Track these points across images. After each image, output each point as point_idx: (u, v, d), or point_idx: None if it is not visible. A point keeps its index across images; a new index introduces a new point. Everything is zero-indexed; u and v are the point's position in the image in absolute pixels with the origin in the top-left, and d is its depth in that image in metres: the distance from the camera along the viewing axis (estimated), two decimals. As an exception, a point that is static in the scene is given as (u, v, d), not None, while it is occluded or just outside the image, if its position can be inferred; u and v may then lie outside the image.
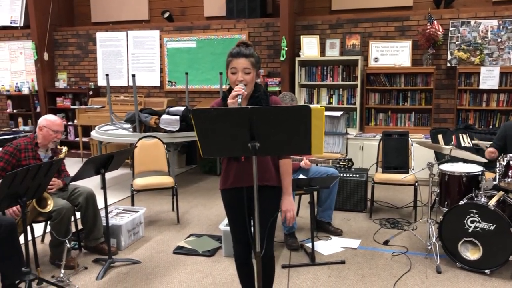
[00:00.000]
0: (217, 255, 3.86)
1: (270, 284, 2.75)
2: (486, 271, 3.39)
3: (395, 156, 4.89)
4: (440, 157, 4.84)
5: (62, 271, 3.40)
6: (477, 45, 6.03)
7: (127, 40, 7.83)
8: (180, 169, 7.07)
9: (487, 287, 3.23)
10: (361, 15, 6.65)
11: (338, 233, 4.27)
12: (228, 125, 2.00)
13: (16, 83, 8.44)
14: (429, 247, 3.72)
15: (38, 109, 8.33)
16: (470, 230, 3.42)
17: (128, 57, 7.85)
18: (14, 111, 8.57)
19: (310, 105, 2.42)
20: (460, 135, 5.23)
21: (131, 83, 7.81)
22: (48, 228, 3.95)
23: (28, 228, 3.25)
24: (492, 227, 3.34)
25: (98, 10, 8.32)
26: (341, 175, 4.68)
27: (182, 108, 5.67)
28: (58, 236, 3.47)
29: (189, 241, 4.15)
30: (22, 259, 3.10)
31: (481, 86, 5.93)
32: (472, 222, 3.41)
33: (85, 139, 7.76)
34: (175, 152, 6.27)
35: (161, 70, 7.67)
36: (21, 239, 3.16)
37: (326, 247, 3.98)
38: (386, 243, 4.04)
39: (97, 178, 5.69)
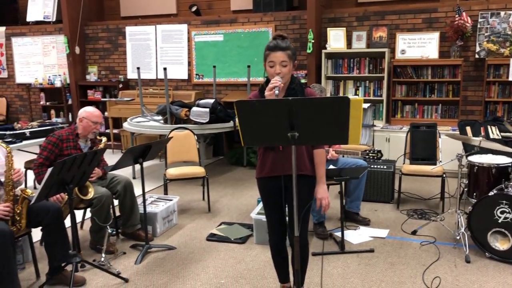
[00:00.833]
0: (249, 242, 4.00)
1: (304, 270, 2.86)
2: (515, 261, 3.43)
3: (422, 147, 4.92)
4: (468, 149, 4.86)
5: (103, 255, 3.57)
6: (507, 37, 5.98)
7: (155, 34, 7.99)
8: (208, 160, 7.21)
9: (517, 277, 3.28)
10: (388, 7, 6.65)
11: (366, 222, 4.35)
12: (269, 115, 2.11)
13: (49, 76, 8.72)
14: (458, 237, 3.77)
15: (69, 102, 8.58)
16: (500, 221, 3.46)
17: (157, 51, 8.03)
18: (47, 103, 8.86)
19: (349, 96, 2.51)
20: (488, 127, 5.23)
21: (159, 76, 7.99)
22: (87, 215, 4.15)
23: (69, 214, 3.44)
24: (522, 218, 3.38)
25: (127, 4, 8.50)
26: (370, 166, 4.75)
27: (211, 101, 5.81)
28: (99, 222, 3.65)
29: (221, 228, 4.29)
30: (68, 243, 3.28)
31: (511, 78, 5.89)
32: (502, 212, 3.45)
33: (115, 131, 7.99)
34: (204, 144, 6.42)
35: (189, 63, 7.82)
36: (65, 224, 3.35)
37: (355, 236, 4.07)
38: (414, 233, 4.10)
39: (129, 168, 5.91)
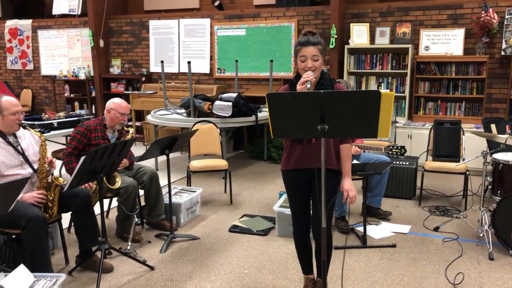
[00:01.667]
0: (271, 235, 4.05)
1: (328, 262, 2.89)
2: (540, 259, 3.41)
3: (446, 144, 4.90)
4: (493, 147, 4.83)
5: (129, 243, 3.67)
6: (534, 34, 5.89)
7: (178, 28, 8.08)
8: (229, 153, 7.27)
9: (541, 275, 3.26)
10: (412, 3, 6.61)
11: (387, 214, 4.36)
12: (300, 108, 2.14)
13: (73, 69, 8.88)
14: (481, 235, 3.76)
15: (93, 94, 8.74)
16: (524, 219, 3.44)
17: (180, 45, 8.11)
18: (71, 95, 9.03)
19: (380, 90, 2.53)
20: (514, 125, 5.17)
21: (182, 70, 8.07)
22: (113, 205, 4.25)
23: (98, 202, 3.53)
24: (548, 216, 3.35)
25: (151, -2, 8.61)
26: (392, 162, 4.74)
27: (234, 95, 5.86)
28: (126, 211, 3.74)
29: (243, 220, 4.35)
30: (97, 228, 3.37)
31: (537, 76, 5.81)
32: (527, 210, 3.43)
33: (138, 123, 8.11)
34: (225, 137, 6.48)
35: (211, 58, 7.88)
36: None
37: (377, 231, 4.09)
38: (436, 229, 4.10)
39: (152, 161, 6.01)
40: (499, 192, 3.94)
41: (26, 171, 3.17)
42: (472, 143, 5.23)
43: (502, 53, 6.11)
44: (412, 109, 6.59)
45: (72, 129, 4.00)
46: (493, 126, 5.15)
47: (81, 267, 3.35)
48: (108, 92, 8.51)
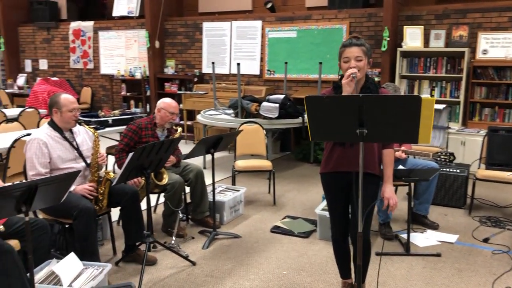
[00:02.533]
0: (312, 237, 4.05)
1: (366, 267, 2.87)
2: None
3: (501, 153, 4.68)
4: (553, 157, 4.56)
5: (174, 238, 3.80)
6: None
7: (231, 30, 8.22)
8: (275, 154, 7.32)
9: None
10: (470, 5, 6.36)
11: (434, 226, 4.23)
12: (338, 111, 2.15)
13: (130, 69, 9.26)
14: (534, 249, 3.57)
15: (148, 93, 9.07)
16: None
17: (231, 46, 8.25)
18: (127, 94, 9.42)
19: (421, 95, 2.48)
20: None
21: (233, 71, 8.21)
22: (160, 200, 4.41)
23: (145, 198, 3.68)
24: None
25: (205, 1, 8.81)
26: (441, 169, 4.60)
27: (281, 96, 5.89)
28: (172, 206, 3.88)
29: (285, 222, 4.37)
30: (142, 224, 3.52)
31: None
32: None
33: (189, 123, 8.33)
34: (271, 139, 6.53)
35: (261, 59, 7.96)
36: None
37: (421, 239, 3.98)
38: (486, 240, 3.93)
39: (199, 159, 6.16)
40: (556, 205, 3.73)
41: (80, 165, 3.36)
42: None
43: None
44: (467, 115, 6.33)
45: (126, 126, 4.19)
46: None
47: (127, 260, 3.51)
48: (161, 92, 8.80)
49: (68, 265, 2.85)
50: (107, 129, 5.52)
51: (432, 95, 6.51)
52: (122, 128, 5.48)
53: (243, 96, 6.30)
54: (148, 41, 8.69)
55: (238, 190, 4.63)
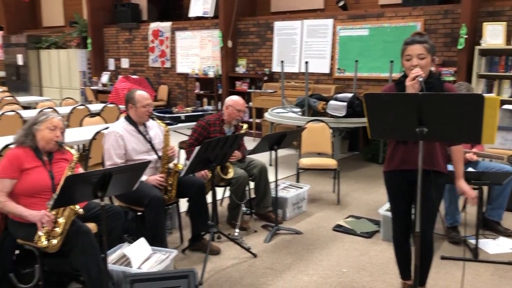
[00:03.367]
0: (375, 238, 4.00)
1: (427, 269, 2.81)
2: None
3: None
4: None
5: (237, 230, 3.94)
6: None
7: (301, 29, 8.26)
8: (342, 154, 7.26)
9: None
10: (560, -2, 5.90)
11: (507, 234, 4.01)
12: (397, 109, 2.14)
13: (204, 68, 9.61)
14: None
15: (220, 91, 9.35)
16: None
17: (302, 45, 8.29)
18: (201, 92, 9.78)
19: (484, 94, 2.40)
20: None
21: (302, 70, 8.23)
22: (226, 194, 4.57)
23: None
24: None
25: (278, 0, 8.92)
26: (518, 173, 4.33)
27: (349, 95, 5.85)
28: (236, 199, 4.02)
29: (348, 221, 4.36)
30: (208, 215, 3.69)
31: None
32: None
33: (258, 120, 8.49)
34: (339, 138, 6.49)
35: (332, 58, 7.92)
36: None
37: (493, 246, 3.80)
38: None
39: (266, 156, 6.28)
40: None
41: (152, 157, 3.59)
42: None
43: None
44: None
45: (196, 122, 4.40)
46: None
47: (193, 248, 3.70)
48: (232, 90, 9.03)
49: (138, 249, 3.07)
50: (180, 124, 5.80)
51: (513, 96, 6.12)
52: (194, 124, 5.74)
53: (311, 95, 6.33)
54: (221, 41, 8.96)
55: (302, 188, 4.68)
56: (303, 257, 3.63)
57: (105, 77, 11.44)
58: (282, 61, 6.79)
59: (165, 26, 10.34)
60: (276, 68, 8.63)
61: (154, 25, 10.54)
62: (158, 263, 3.01)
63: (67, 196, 2.39)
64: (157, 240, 3.30)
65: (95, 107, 7.26)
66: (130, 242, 3.16)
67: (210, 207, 3.81)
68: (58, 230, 2.68)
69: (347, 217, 4.48)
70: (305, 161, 4.96)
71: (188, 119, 5.98)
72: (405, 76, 2.58)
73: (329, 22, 7.91)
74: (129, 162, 3.47)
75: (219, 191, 4.54)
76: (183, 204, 3.91)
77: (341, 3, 7.90)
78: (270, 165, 6.24)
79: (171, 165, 3.66)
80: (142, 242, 3.15)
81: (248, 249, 3.67)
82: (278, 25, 8.58)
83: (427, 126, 2.10)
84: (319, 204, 4.89)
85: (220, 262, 3.53)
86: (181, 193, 3.68)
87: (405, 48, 2.55)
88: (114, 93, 9.77)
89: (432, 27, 6.80)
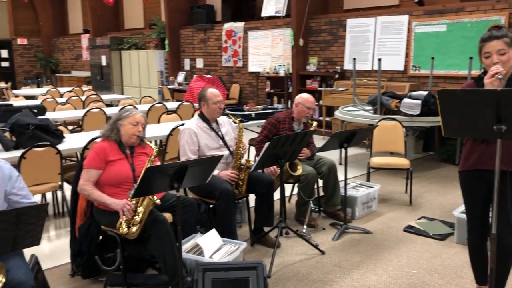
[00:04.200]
0: (448, 240, 3.86)
1: (505, 275, 2.67)
2: None
3: None
4: None
5: (305, 227, 3.98)
6: None
7: (375, 26, 8.09)
8: (416, 154, 7.03)
9: None
10: None
11: None
12: (473, 106, 2.07)
13: (275, 66, 9.71)
14: None
15: (290, 90, 9.41)
16: None
17: (375, 42, 8.12)
18: (271, 90, 9.90)
19: None
20: None
21: (375, 67, 8.07)
22: (295, 191, 4.62)
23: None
24: None
25: (351, -3, 8.82)
26: None
27: (424, 93, 5.66)
28: (304, 196, 4.06)
29: (420, 222, 4.23)
30: (273, 211, 3.78)
31: None
32: None
33: (328, 119, 8.45)
34: (413, 137, 6.30)
35: (406, 55, 7.68)
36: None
37: None
38: None
39: (336, 155, 6.24)
40: None
41: (224, 153, 3.73)
42: None
43: None
44: None
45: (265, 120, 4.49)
46: None
47: (254, 241, 3.79)
48: (303, 88, 9.04)
49: (210, 240, 3.21)
50: (250, 122, 5.93)
51: None
52: (264, 121, 5.85)
53: (383, 93, 6.20)
54: (293, 40, 9.01)
55: (372, 187, 4.61)
56: (372, 257, 3.59)
57: (181, 77, 11.93)
58: (354, 59, 6.71)
59: (238, 26, 10.57)
60: (347, 66, 8.52)
61: (227, 26, 10.81)
62: (228, 254, 3.13)
63: (146, 186, 2.57)
64: (227, 232, 3.42)
65: (172, 105, 7.62)
66: (202, 233, 3.31)
67: (278, 203, 3.89)
68: (137, 218, 2.88)
69: (419, 218, 4.35)
70: (377, 160, 4.88)
71: (258, 117, 6.10)
72: (485, 73, 2.48)
73: (404, 18, 7.68)
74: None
75: (287, 187, 4.60)
76: (252, 198, 4.01)
77: (417, -1, 7.64)
78: (340, 163, 6.21)
79: (242, 160, 3.77)
80: (213, 233, 3.29)
81: (316, 246, 3.70)
82: (351, 22, 8.46)
83: (506, 123, 2.01)
84: (389, 204, 4.79)
85: (287, 257, 3.59)
86: (251, 189, 3.78)
87: (483, 45, 2.45)
88: (189, 92, 10.16)
89: (517, 20, 6.39)
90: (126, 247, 3.09)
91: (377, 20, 8.07)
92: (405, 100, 5.68)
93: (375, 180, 5.36)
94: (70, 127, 6.46)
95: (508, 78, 2.45)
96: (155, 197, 2.88)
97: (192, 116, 6.42)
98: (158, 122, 6.03)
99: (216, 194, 3.42)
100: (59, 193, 4.38)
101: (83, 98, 8.54)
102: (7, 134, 4.28)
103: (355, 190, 4.51)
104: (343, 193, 4.23)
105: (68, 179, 4.23)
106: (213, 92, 3.73)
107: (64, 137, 4.57)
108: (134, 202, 2.91)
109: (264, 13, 9.90)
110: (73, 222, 3.20)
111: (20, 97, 9.54)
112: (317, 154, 4.33)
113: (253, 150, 4.85)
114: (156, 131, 5.08)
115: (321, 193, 4.44)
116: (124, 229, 2.88)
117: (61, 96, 9.65)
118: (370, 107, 6.36)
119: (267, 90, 9.99)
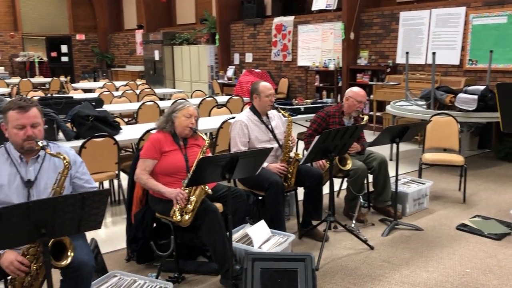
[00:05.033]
0: (505, 240, 3.72)
1: None
2: None
3: None
4: None
5: (354, 222, 3.95)
6: None
7: (429, 19, 7.84)
8: (471, 151, 6.78)
9: None
10: None
11: None
12: (535, 100, 2.00)
13: (325, 60, 9.63)
14: None
15: (339, 84, 9.31)
16: None
17: (429, 35, 7.87)
18: (320, 84, 9.83)
19: None
20: None
21: (429, 61, 7.83)
22: (344, 185, 4.60)
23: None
24: None
25: (404, -11, 8.58)
26: None
27: (481, 88, 5.45)
28: (353, 191, 4.04)
29: (474, 221, 4.10)
30: (321, 205, 3.79)
31: None
32: None
33: (378, 114, 8.29)
34: (468, 133, 6.08)
35: (462, 48, 7.41)
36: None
37: None
38: None
39: (387, 150, 6.14)
40: None
41: (273, 145, 3.77)
42: None
43: None
44: None
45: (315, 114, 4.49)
46: None
47: (307, 235, 3.81)
48: (353, 82, 8.90)
49: (259, 231, 3.27)
50: (299, 116, 5.93)
51: None
52: (312, 115, 5.83)
53: (438, 87, 6.01)
54: (343, 33, 8.90)
55: (424, 184, 4.51)
56: (423, 254, 3.52)
57: (230, 71, 12.08)
58: (407, 52, 6.55)
59: (288, 20, 10.56)
60: (400, 59, 8.33)
61: (277, 20, 10.82)
62: (276, 245, 3.18)
63: (199, 176, 2.66)
64: (276, 224, 3.47)
65: (222, 99, 7.74)
66: (252, 224, 3.38)
67: (326, 198, 3.89)
68: (190, 207, 2.98)
69: (473, 217, 4.21)
70: (429, 156, 4.77)
71: (307, 111, 6.09)
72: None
73: (461, 10, 7.40)
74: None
75: (337, 182, 4.59)
76: (301, 192, 4.04)
77: (476, -11, 7.33)
78: (391, 159, 6.10)
79: (291, 154, 3.80)
80: (262, 224, 3.34)
81: (365, 241, 3.67)
82: (404, 15, 8.25)
83: None
84: (442, 202, 4.66)
85: (336, 251, 3.59)
86: (299, 182, 3.81)
87: None
88: (238, 86, 10.28)
89: None
90: (179, 235, 3.20)
91: (431, 12, 7.82)
92: (461, 95, 5.49)
93: (427, 176, 5.22)
94: (126, 119, 6.72)
95: None
96: (207, 187, 2.97)
97: (242, 110, 6.52)
98: (209, 115, 6.16)
99: (266, 186, 3.48)
100: (115, 181, 4.58)
101: (138, 91, 8.84)
102: (68, 124, 4.53)
103: (406, 186, 4.43)
104: (394, 189, 4.16)
105: (124, 169, 4.43)
106: (265, 85, 3.78)
107: (121, 129, 4.78)
108: (187, 191, 3.01)
109: (314, 7, 9.84)
110: (130, 209, 3.35)
111: (79, 90, 10.02)
112: (367, 149, 4.29)
113: (301, 144, 4.86)
114: (207, 124, 5.19)
115: (371, 189, 4.39)
116: (177, 217, 2.99)
117: (117, 89, 10.04)
118: (423, 102, 6.19)
119: (316, 84, 9.93)
